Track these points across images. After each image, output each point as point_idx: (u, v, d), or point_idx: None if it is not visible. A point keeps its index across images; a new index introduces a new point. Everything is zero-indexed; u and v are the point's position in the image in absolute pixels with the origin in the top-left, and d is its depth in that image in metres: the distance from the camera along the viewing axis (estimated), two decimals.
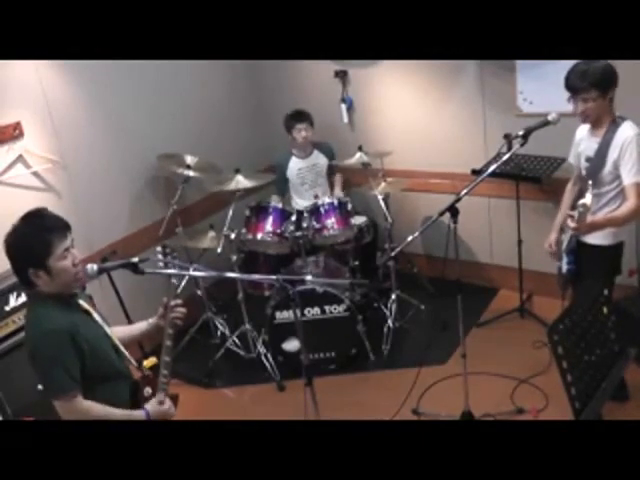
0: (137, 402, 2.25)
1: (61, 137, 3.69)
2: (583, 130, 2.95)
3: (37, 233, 2.06)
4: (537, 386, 3.39)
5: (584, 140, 2.92)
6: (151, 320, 2.45)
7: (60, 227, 2.10)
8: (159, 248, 2.48)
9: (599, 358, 2.10)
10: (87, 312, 2.24)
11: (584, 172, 2.91)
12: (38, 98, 3.55)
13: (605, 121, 2.77)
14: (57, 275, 2.08)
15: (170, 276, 2.38)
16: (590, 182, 2.64)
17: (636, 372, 2.88)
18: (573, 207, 2.82)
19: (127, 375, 2.29)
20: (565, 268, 3.04)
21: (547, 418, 3.11)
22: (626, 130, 2.71)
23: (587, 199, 2.39)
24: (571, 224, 2.53)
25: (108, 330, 2.29)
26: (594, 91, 2.66)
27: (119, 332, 2.40)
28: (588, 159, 2.87)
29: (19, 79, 3.44)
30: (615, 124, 2.75)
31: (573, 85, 2.70)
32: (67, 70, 3.67)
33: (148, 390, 2.27)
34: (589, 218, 2.53)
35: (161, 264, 2.48)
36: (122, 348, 2.30)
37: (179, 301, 2.36)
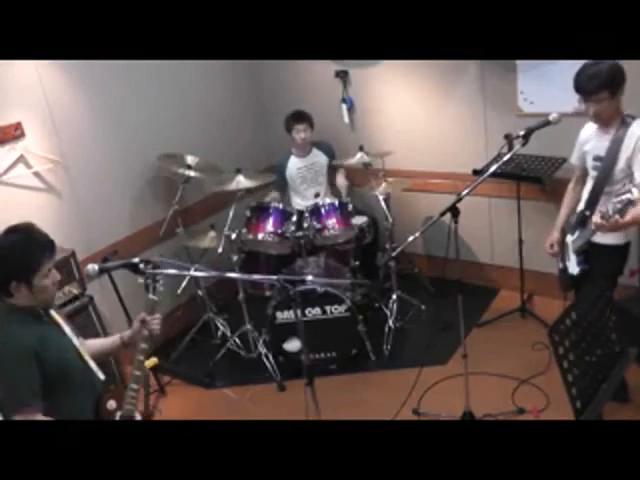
0: (99, 415, 2.24)
1: (62, 137, 3.69)
2: (589, 130, 2.94)
3: (28, 247, 2.08)
4: (538, 386, 3.39)
5: (591, 140, 2.90)
6: (124, 334, 2.45)
7: (49, 246, 2.13)
8: (141, 265, 2.36)
9: (600, 358, 2.10)
10: (57, 324, 2.26)
11: (594, 172, 2.90)
12: (38, 98, 3.55)
13: (615, 120, 2.76)
14: (38, 292, 2.11)
15: (151, 292, 2.34)
16: (637, 174, 2.55)
17: (637, 372, 2.87)
18: (589, 208, 2.81)
19: (92, 387, 2.29)
20: (577, 269, 3.01)
21: (548, 418, 3.10)
22: (638, 128, 2.70)
23: (634, 194, 2.22)
24: (599, 221, 2.41)
25: (76, 342, 2.29)
26: (605, 92, 2.65)
27: (91, 346, 2.39)
28: (598, 158, 2.85)
29: (19, 79, 3.44)
30: (626, 122, 2.74)
31: (584, 88, 2.69)
32: (67, 70, 3.67)
33: (112, 403, 2.26)
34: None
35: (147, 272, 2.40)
36: (90, 361, 2.31)
37: (158, 315, 2.35)
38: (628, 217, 2.43)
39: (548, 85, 3.68)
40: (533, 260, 4.00)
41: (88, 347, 2.35)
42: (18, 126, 3.44)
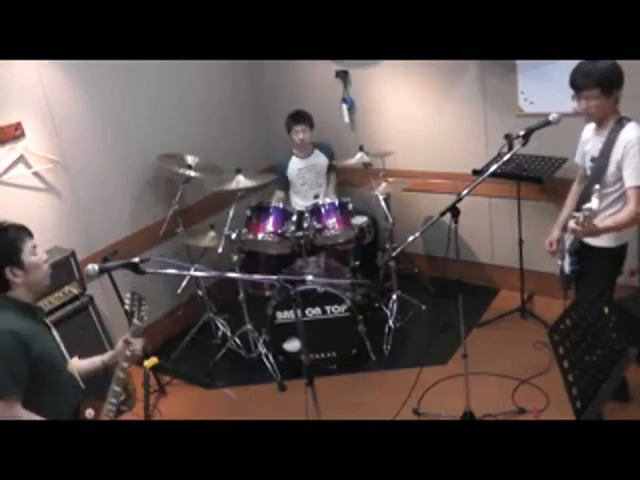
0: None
1: (62, 137, 3.69)
2: (589, 130, 2.93)
3: (3, 235, 2.15)
4: (538, 386, 3.39)
5: (590, 140, 2.90)
6: (104, 356, 2.47)
7: (22, 228, 2.22)
8: (128, 294, 2.41)
9: (600, 358, 2.10)
10: (49, 327, 2.31)
11: (589, 172, 2.90)
12: (39, 98, 3.55)
13: (610, 121, 2.76)
14: (31, 270, 2.17)
15: (137, 317, 2.36)
16: (597, 186, 2.59)
17: (637, 372, 2.87)
18: (578, 209, 2.80)
19: (75, 393, 2.31)
20: (569, 269, 3.02)
21: (548, 418, 3.10)
22: (630, 131, 2.69)
23: (593, 203, 2.33)
24: (573, 226, 2.49)
25: (64, 350, 2.32)
26: (597, 89, 2.65)
27: (73, 364, 2.41)
28: (593, 159, 2.85)
29: (19, 79, 3.44)
30: (619, 124, 2.73)
31: (576, 83, 2.70)
32: (67, 70, 3.67)
33: (90, 412, 2.28)
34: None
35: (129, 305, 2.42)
36: (74, 370, 2.32)
37: (140, 339, 2.36)
38: (598, 226, 2.53)
39: (548, 85, 3.68)
40: (533, 260, 4.00)
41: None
42: (18, 126, 3.44)
